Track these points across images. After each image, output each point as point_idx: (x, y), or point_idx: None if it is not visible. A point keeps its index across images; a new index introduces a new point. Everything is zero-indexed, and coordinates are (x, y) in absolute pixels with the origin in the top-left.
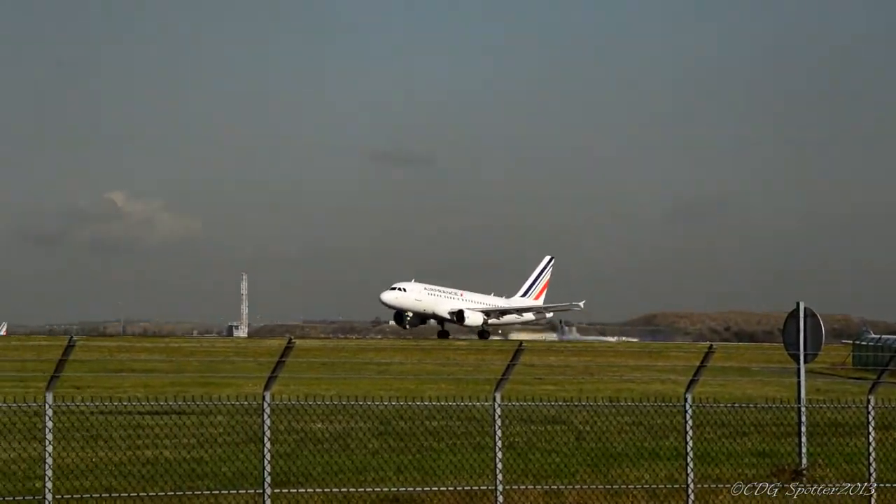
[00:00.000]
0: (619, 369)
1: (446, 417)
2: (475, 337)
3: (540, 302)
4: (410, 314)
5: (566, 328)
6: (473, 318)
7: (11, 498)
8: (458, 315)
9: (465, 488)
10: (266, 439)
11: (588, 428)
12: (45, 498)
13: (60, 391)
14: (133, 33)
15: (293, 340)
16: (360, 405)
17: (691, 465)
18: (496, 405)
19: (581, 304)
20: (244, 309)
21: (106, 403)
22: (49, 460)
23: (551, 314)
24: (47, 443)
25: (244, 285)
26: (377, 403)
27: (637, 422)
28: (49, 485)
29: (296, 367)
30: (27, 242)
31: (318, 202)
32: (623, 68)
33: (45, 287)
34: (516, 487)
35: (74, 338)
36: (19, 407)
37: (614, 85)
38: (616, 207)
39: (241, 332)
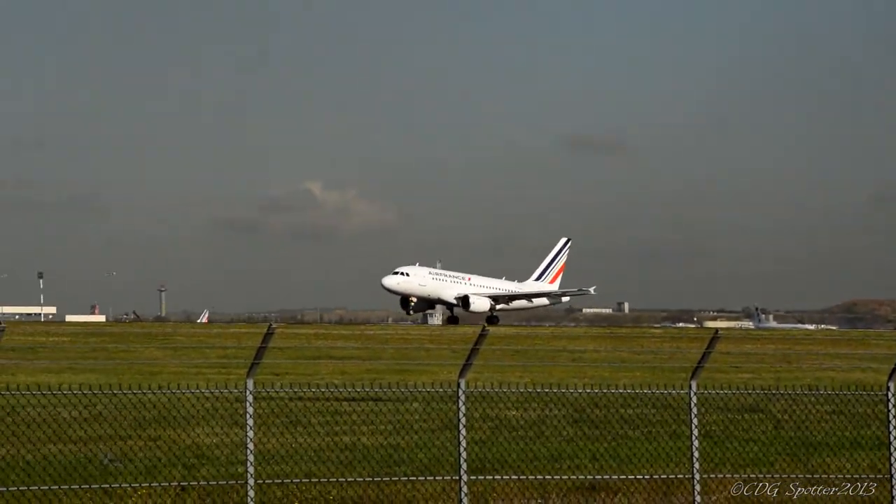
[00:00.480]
0: (817, 357)
1: (641, 405)
2: (484, 322)
3: (554, 287)
4: (415, 299)
5: (762, 316)
6: (479, 304)
7: (215, 482)
8: (464, 301)
9: (662, 476)
10: (461, 426)
11: (786, 417)
12: (247, 482)
13: (260, 378)
14: (348, 36)
15: (487, 328)
16: (555, 393)
17: (895, 454)
18: (692, 393)
19: (592, 289)
20: None
21: (304, 390)
22: (250, 445)
23: (567, 299)
24: (248, 428)
25: None
26: (571, 391)
27: (837, 410)
28: (251, 469)
29: (489, 355)
30: (228, 231)
31: (507, 187)
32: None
33: (244, 275)
34: (713, 476)
35: (273, 325)
36: (221, 393)
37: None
38: (819, 196)
39: (436, 320)
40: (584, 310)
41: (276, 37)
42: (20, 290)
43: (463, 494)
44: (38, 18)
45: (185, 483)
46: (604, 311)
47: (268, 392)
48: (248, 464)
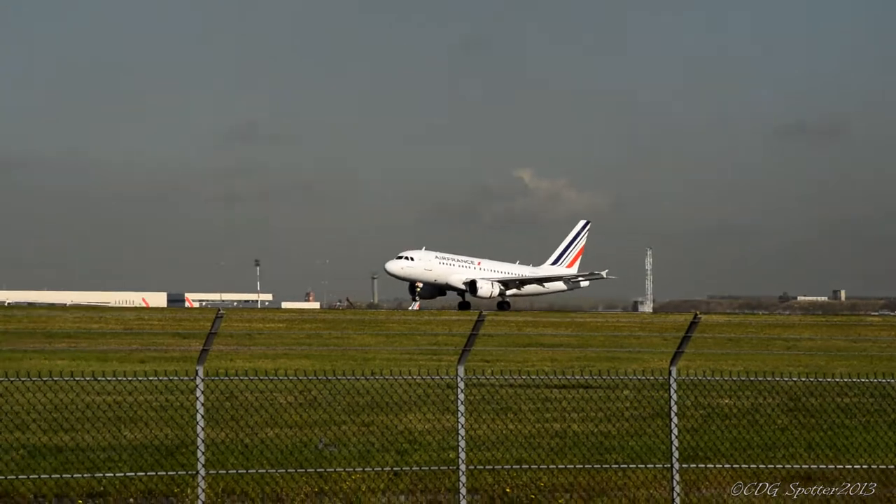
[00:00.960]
0: None
1: (858, 394)
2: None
3: (572, 270)
4: (421, 285)
5: None
6: (486, 289)
7: (427, 468)
8: (471, 286)
9: (881, 467)
10: (673, 414)
11: None
12: (458, 468)
13: (471, 364)
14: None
15: (699, 316)
16: (768, 381)
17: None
18: None
19: (605, 273)
20: (649, 284)
21: (515, 377)
22: (462, 431)
23: (587, 283)
24: (460, 414)
25: (649, 261)
26: (785, 379)
27: None
28: (462, 455)
29: (701, 343)
30: (443, 218)
31: (723, 176)
32: None
33: None
34: None
35: (483, 313)
36: (433, 379)
37: None
38: None
39: (646, 308)
40: (798, 297)
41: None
42: (238, 277)
43: (674, 482)
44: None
45: (398, 468)
46: (819, 299)
47: (478, 379)
48: (460, 450)
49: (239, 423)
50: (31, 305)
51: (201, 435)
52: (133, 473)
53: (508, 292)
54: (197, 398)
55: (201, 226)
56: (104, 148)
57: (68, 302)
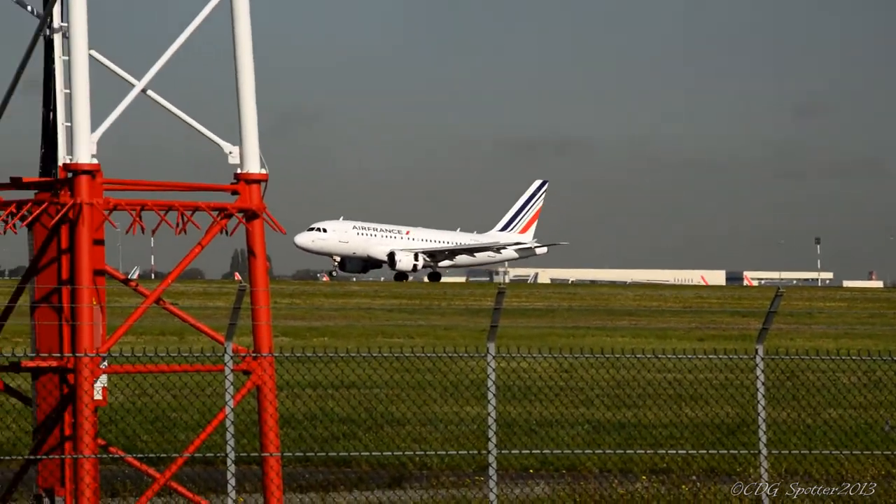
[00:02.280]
0: None
1: None
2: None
3: (523, 237)
4: (338, 259)
5: None
6: (407, 262)
7: None
8: (390, 258)
9: None
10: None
11: None
12: None
13: None
14: None
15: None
16: None
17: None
18: None
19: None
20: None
21: None
22: None
23: (544, 250)
24: None
25: None
26: None
27: None
28: None
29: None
30: None
31: None
32: None
33: None
34: None
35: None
36: None
37: None
38: None
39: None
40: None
41: None
42: (798, 255)
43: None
44: None
45: None
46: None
47: None
48: None
49: (800, 403)
50: (593, 283)
51: (762, 414)
52: (695, 451)
53: (442, 263)
54: (757, 377)
55: (761, 202)
56: (669, 126)
57: (628, 280)
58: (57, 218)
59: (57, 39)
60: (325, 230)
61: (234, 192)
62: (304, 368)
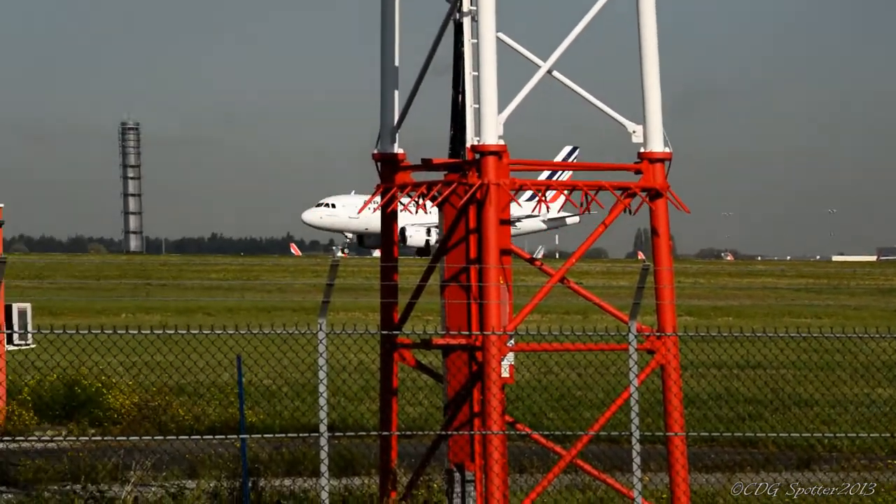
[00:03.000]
0: None
1: None
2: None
3: (532, 210)
4: (350, 236)
5: None
6: (418, 237)
7: None
8: (401, 233)
9: None
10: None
11: None
12: None
13: None
14: None
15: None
16: None
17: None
18: None
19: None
20: None
21: None
22: None
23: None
24: None
25: None
26: None
27: None
28: None
29: None
30: None
31: None
32: None
33: None
34: None
35: None
36: None
37: None
38: None
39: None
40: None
41: None
42: None
43: None
44: None
45: None
46: None
47: None
48: None
49: None
50: None
51: None
52: None
53: None
54: None
55: None
56: None
57: None
58: (465, 198)
59: (466, 23)
60: (333, 206)
61: (638, 172)
62: (709, 348)
